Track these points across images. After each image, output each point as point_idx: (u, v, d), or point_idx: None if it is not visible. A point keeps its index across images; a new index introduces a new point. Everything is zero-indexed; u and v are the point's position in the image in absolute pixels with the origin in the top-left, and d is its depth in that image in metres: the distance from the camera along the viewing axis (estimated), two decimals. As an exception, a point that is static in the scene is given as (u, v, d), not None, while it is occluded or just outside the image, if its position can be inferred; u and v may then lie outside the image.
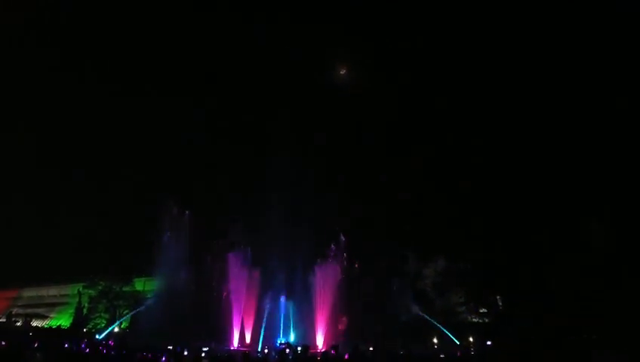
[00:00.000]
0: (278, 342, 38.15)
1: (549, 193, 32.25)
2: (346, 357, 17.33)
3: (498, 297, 36.61)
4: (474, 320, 39.96)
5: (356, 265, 45.00)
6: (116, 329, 50.94)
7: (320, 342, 39.35)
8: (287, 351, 20.98)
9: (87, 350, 21.96)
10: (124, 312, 53.99)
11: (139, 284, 58.31)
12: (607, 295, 26.15)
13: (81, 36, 77.42)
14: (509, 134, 36.74)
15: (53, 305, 75.45)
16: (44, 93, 76.81)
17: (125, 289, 55.30)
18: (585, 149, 32.09)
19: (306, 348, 21.38)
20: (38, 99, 78.33)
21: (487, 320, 38.00)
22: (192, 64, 79.20)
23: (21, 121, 79.73)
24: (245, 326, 41.30)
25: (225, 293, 44.52)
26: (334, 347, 18.99)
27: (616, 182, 29.67)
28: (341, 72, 56.47)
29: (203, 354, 22.52)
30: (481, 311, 39.07)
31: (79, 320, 52.84)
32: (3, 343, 22.91)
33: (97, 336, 43.13)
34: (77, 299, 56.66)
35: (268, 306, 41.72)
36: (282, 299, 42.42)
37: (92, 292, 54.75)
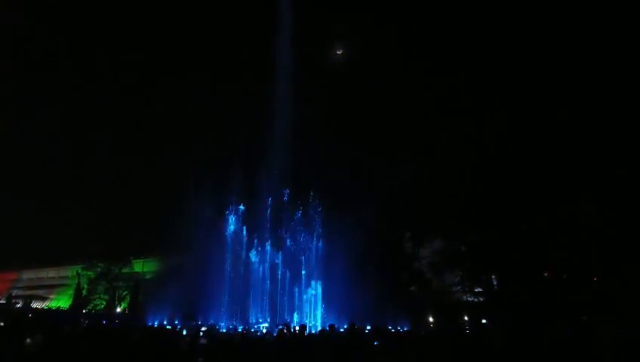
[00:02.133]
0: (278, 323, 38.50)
1: (544, 173, 32.18)
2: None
3: (493, 276, 36.82)
4: (469, 299, 40.29)
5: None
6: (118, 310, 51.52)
7: (319, 321, 39.76)
8: (285, 331, 21.18)
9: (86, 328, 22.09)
10: (124, 293, 54.54)
11: (137, 266, 58.75)
12: (605, 273, 26.35)
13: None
14: (504, 116, 36.46)
15: (52, 287, 76.27)
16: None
17: (124, 270, 55.73)
18: (579, 129, 31.90)
19: (303, 327, 21.59)
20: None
21: (482, 299, 38.34)
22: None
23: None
24: (246, 305, 41.58)
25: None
26: (331, 326, 19.22)
27: (610, 163, 29.60)
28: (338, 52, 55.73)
29: (201, 334, 22.67)
30: (476, 290, 39.35)
31: (78, 301, 53.36)
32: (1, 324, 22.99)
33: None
34: (76, 281, 57.13)
35: (270, 286, 41.93)
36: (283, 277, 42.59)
37: (91, 273, 55.19)
